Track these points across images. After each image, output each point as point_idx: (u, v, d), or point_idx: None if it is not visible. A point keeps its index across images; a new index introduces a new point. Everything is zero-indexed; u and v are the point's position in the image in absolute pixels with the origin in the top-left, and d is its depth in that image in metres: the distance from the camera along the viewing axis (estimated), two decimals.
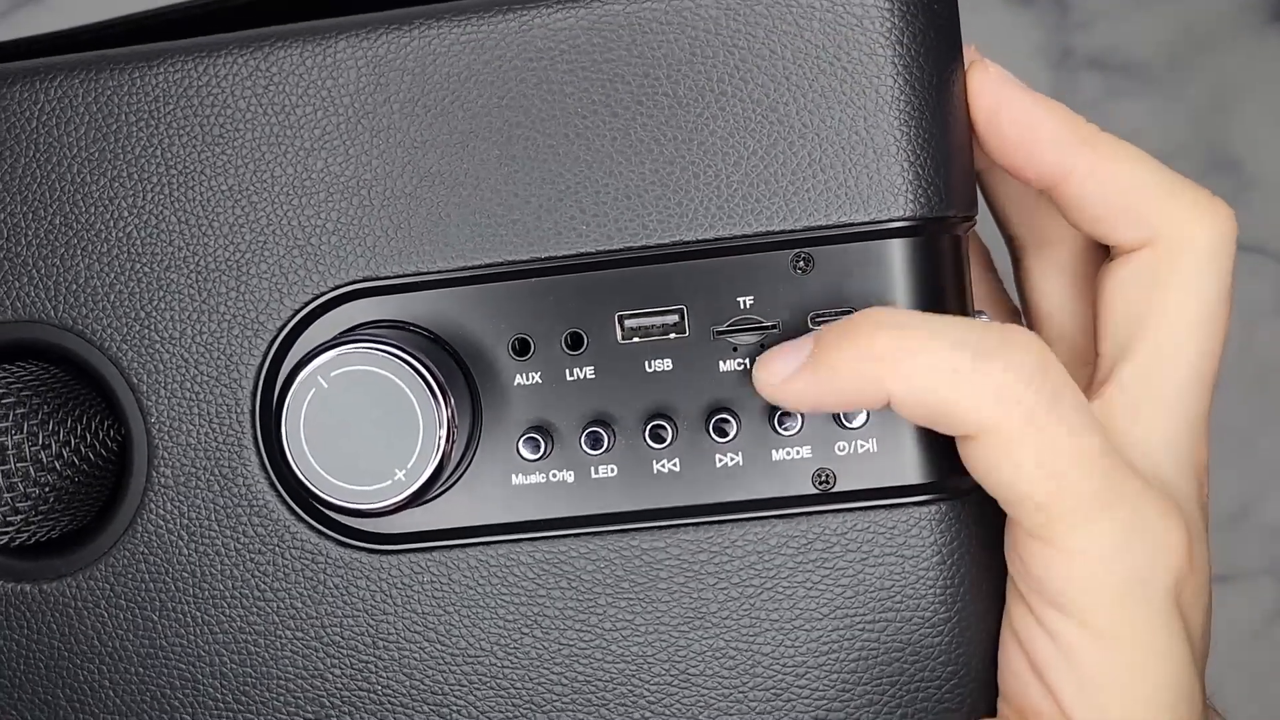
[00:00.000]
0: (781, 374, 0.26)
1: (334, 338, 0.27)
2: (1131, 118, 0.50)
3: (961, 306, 0.28)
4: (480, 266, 0.28)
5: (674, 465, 0.28)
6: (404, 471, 0.26)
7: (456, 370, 0.27)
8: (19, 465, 0.26)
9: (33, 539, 0.28)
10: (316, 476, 0.26)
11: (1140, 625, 0.25)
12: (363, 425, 0.26)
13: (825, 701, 0.28)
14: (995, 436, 0.24)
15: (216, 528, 0.28)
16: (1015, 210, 0.30)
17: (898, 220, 0.27)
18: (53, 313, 0.28)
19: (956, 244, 0.28)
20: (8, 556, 0.29)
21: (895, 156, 0.27)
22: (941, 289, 0.27)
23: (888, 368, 0.24)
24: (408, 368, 0.26)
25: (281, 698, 0.28)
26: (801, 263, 0.27)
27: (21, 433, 0.26)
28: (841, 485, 0.27)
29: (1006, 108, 0.27)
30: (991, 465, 0.25)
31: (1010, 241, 0.31)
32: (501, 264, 0.27)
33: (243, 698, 0.29)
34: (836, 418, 0.27)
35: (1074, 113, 0.27)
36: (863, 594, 0.27)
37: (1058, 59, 0.50)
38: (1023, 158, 0.27)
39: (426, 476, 0.26)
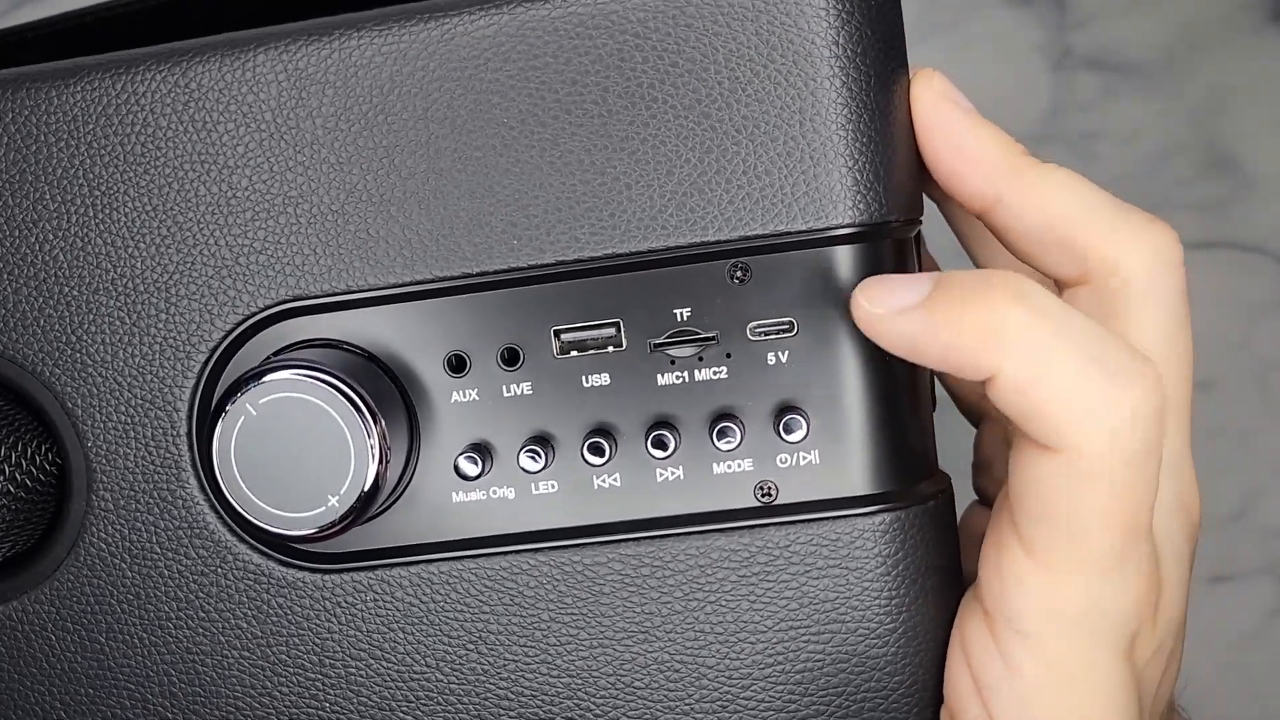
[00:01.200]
0: (894, 305, 0.24)
1: (262, 362, 0.26)
2: (1130, 118, 0.49)
3: None
4: (412, 283, 0.27)
5: (614, 480, 0.27)
6: (336, 497, 0.26)
7: (392, 389, 0.27)
8: None
9: None
10: (250, 504, 0.26)
11: (1088, 662, 0.25)
12: (294, 451, 0.26)
13: (771, 713, 0.27)
14: (1083, 462, 0.23)
15: (159, 550, 0.28)
16: (975, 241, 0.30)
17: (837, 228, 0.26)
18: None
19: (901, 248, 0.27)
20: None
21: (833, 162, 0.26)
22: None
23: (1014, 344, 0.23)
24: (336, 393, 0.25)
25: (231, 716, 0.29)
26: (739, 273, 0.26)
27: None
28: (784, 498, 0.27)
29: (941, 127, 0.26)
30: (1057, 485, 0.23)
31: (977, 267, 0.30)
32: (433, 280, 0.27)
33: (192, 717, 0.29)
34: (776, 429, 0.27)
35: (1010, 139, 0.26)
36: (807, 606, 0.27)
37: (1057, 59, 0.49)
38: (954, 181, 0.26)
39: (358, 501, 0.26)
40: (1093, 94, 0.48)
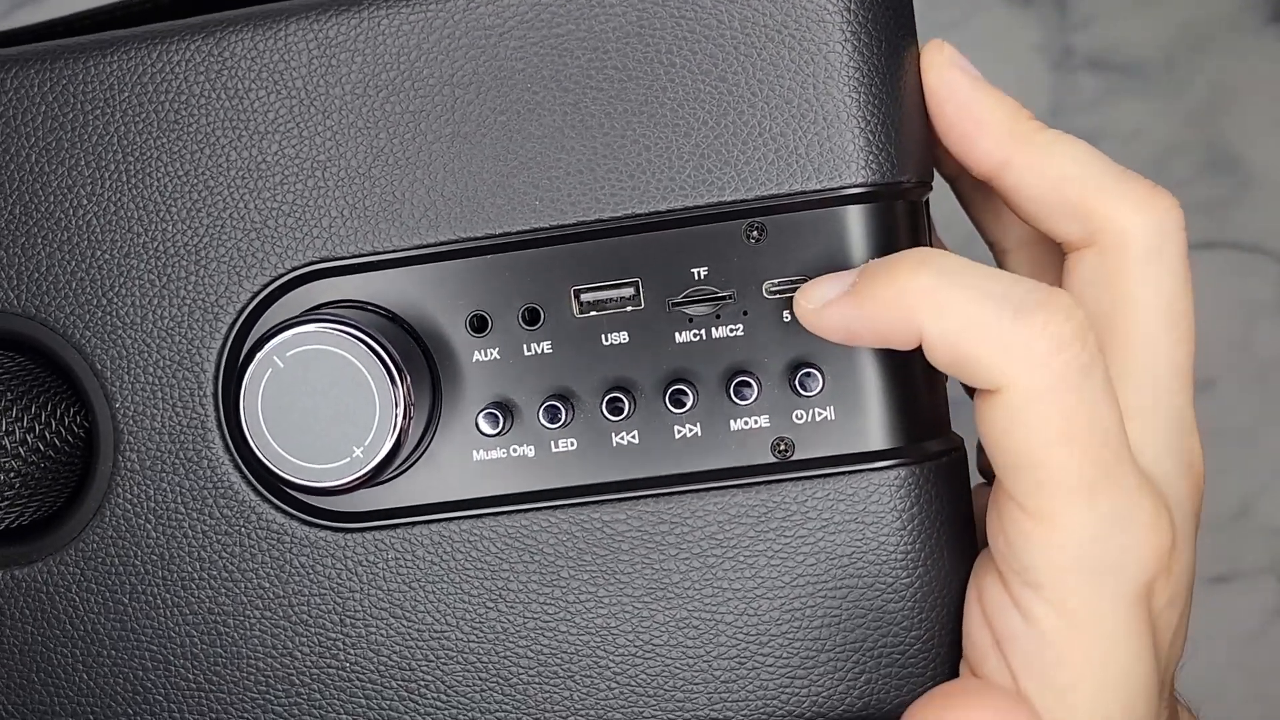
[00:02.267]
0: (821, 299, 0.26)
1: (290, 318, 0.27)
2: (1131, 117, 0.50)
3: None
4: (436, 244, 0.28)
5: (633, 437, 0.28)
6: (361, 449, 0.26)
7: (415, 348, 0.28)
8: None
9: (1, 525, 0.28)
10: (276, 456, 0.26)
11: (1108, 614, 0.25)
12: (320, 404, 0.26)
13: (789, 670, 0.28)
14: (1017, 395, 0.24)
15: (183, 510, 0.29)
16: (986, 212, 0.30)
17: (850, 187, 0.27)
18: (15, 302, 0.29)
19: (913, 210, 0.28)
20: None
21: (845, 124, 0.26)
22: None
23: (926, 305, 0.24)
24: (363, 346, 0.26)
25: (252, 677, 0.29)
26: (755, 232, 0.27)
27: None
28: (800, 453, 0.27)
29: (951, 92, 0.27)
30: (1006, 425, 0.24)
31: (991, 247, 0.31)
32: (457, 241, 0.28)
33: (214, 677, 0.29)
34: (792, 385, 0.27)
35: (1017, 105, 0.27)
36: (824, 561, 0.27)
37: (1058, 59, 0.49)
38: (963, 145, 0.27)
39: (384, 453, 0.26)
40: (1093, 94, 0.49)
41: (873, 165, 0.27)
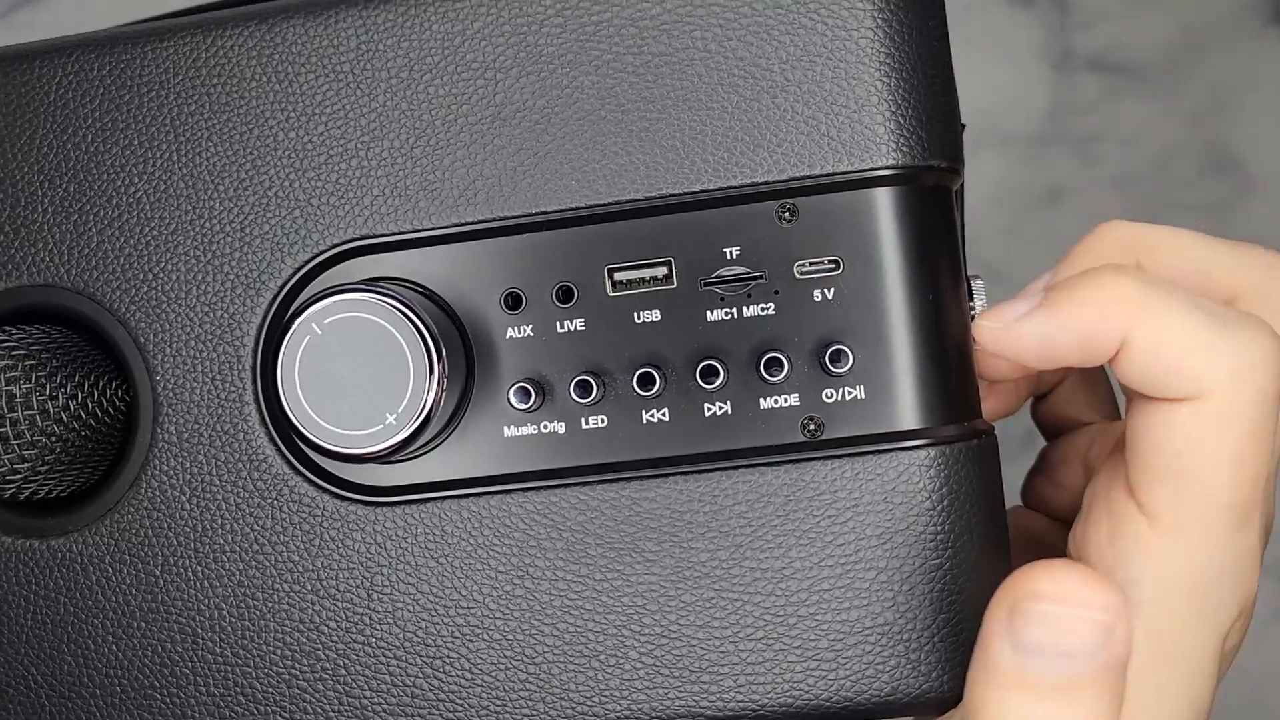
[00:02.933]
0: (1012, 315, 0.26)
1: (330, 286, 0.27)
2: (1131, 118, 0.50)
3: (952, 261, 0.28)
4: (473, 223, 0.28)
5: (663, 415, 0.28)
6: (394, 416, 0.27)
7: (450, 324, 0.28)
8: (26, 414, 0.27)
9: (38, 494, 0.29)
10: (310, 421, 0.27)
11: (1196, 647, 0.25)
12: (356, 371, 0.27)
13: (816, 653, 0.27)
14: (1215, 404, 0.24)
15: (218, 482, 0.29)
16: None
17: (880, 169, 0.27)
18: (65, 276, 0.30)
19: (942, 197, 0.28)
20: (14, 513, 0.30)
21: (876, 106, 0.27)
22: (927, 240, 0.27)
23: (1133, 310, 0.24)
24: (400, 315, 0.27)
25: (278, 650, 0.29)
26: (786, 213, 0.28)
27: (30, 382, 0.27)
28: (830, 432, 0.27)
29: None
30: (1195, 436, 0.24)
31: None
32: (493, 220, 0.28)
33: (240, 651, 0.29)
34: (822, 364, 0.27)
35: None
36: (854, 542, 0.27)
37: (1058, 59, 0.50)
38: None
39: (417, 421, 0.26)
40: (1094, 95, 0.49)
41: (903, 148, 0.27)
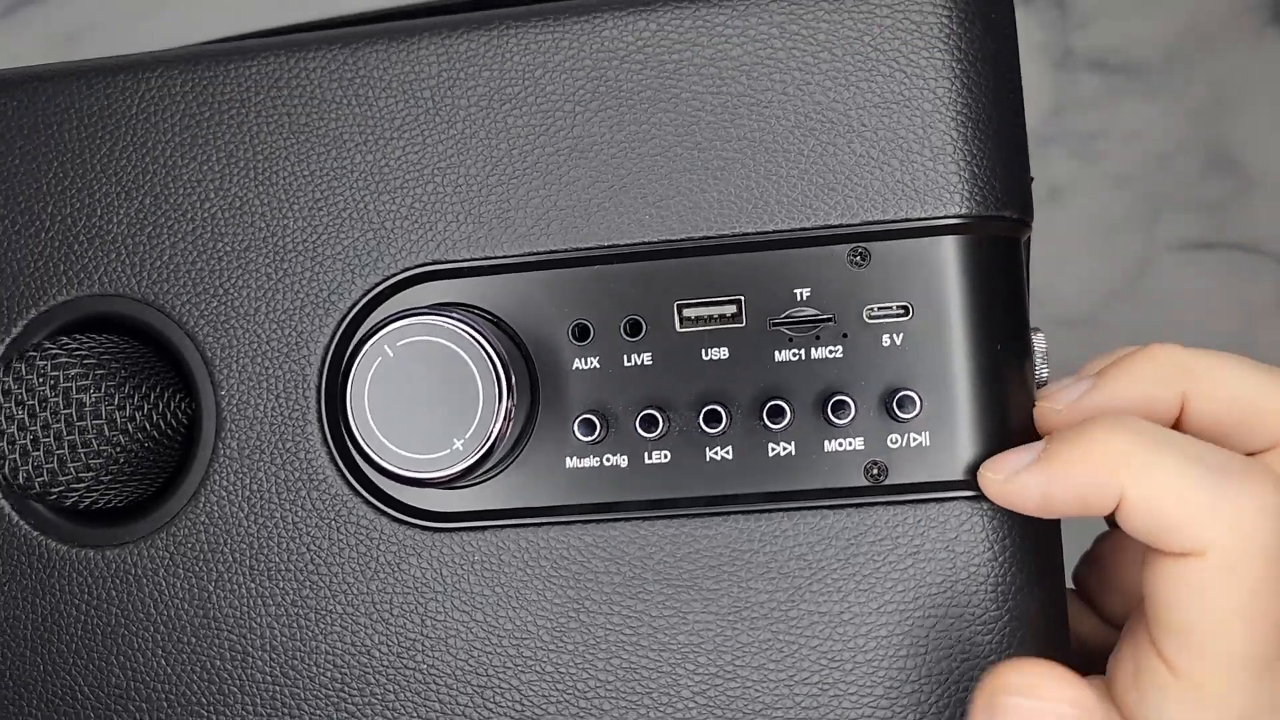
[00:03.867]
0: (1012, 468, 0.26)
1: (403, 310, 0.28)
2: (1131, 118, 0.50)
3: (1019, 312, 0.28)
4: (545, 253, 0.28)
5: (727, 453, 0.28)
6: (462, 441, 0.27)
7: (517, 353, 0.28)
8: (94, 423, 0.27)
9: (98, 504, 0.29)
10: (376, 442, 0.27)
11: None
12: (425, 395, 0.27)
13: (872, 699, 0.27)
14: (1218, 560, 0.24)
15: (277, 500, 0.29)
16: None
17: (952, 218, 0.27)
18: (136, 288, 0.30)
19: (1013, 248, 0.28)
20: (75, 522, 0.30)
21: (951, 156, 0.27)
22: (995, 289, 0.28)
23: (1126, 467, 0.24)
24: (470, 339, 0.27)
25: (328, 673, 0.29)
26: (858, 257, 0.28)
27: (99, 391, 0.27)
28: (893, 478, 0.27)
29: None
30: (1194, 589, 0.24)
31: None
32: (565, 251, 0.28)
33: (290, 671, 0.29)
34: (889, 409, 0.27)
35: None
36: (913, 589, 0.27)
37: (1058, 59, 0.49)
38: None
39: (484, 447, 0.26)
40: (1094, 94, 0.49)
41: (976, 198, 0.27)
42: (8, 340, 0.30)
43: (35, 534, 0.30)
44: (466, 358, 0.27)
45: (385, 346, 0.27)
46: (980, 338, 0.27)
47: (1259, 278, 0.51)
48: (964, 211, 0.27)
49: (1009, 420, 0.27)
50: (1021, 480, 0.25)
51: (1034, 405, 0.28)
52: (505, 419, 0.27)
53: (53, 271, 0.30)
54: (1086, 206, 0.51)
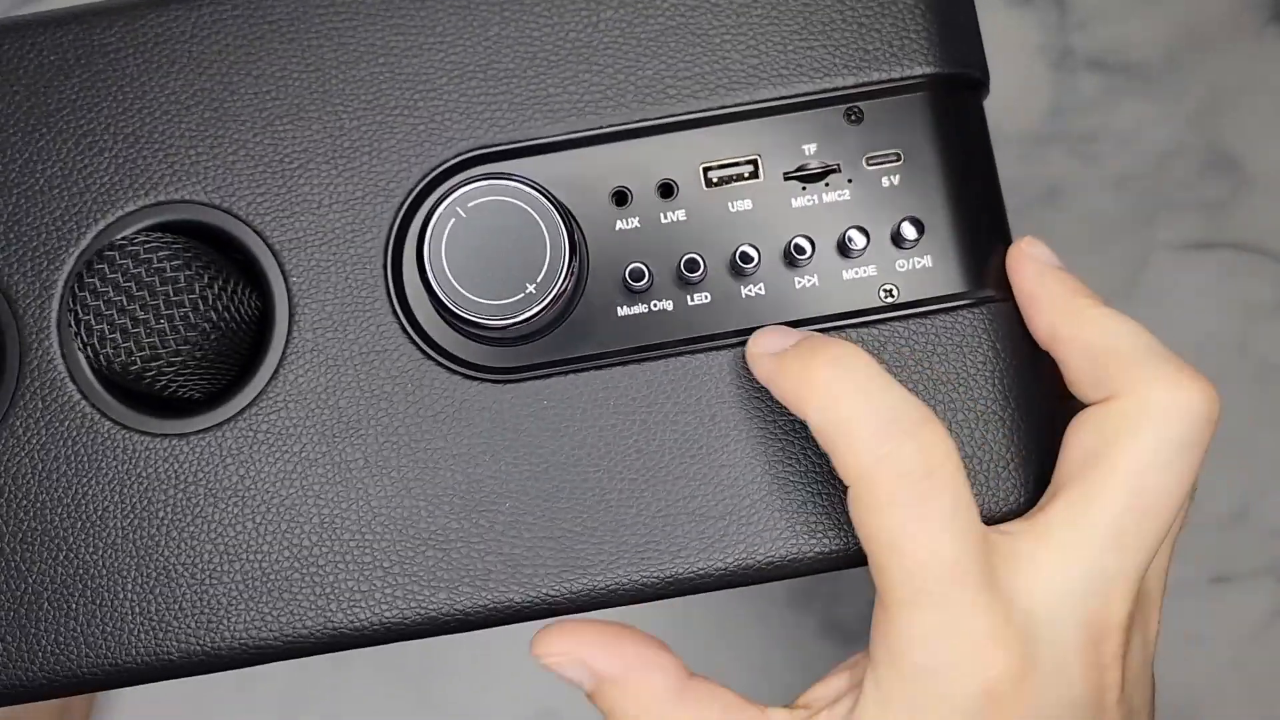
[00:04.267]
0: (763, 349, 0.30)
1: (467, 178, 0.31)
2: (1131, 118, 0.51)
3: (987, 157, 0.33)
4: (582, 131, 0.32)
5: (759, 290, 0.32)
6: (534, 285, 0.30)
7: (567, 218, 0.32)
8: (189, 297, 0.29)
9: (185, 391, 0.31)
10: (456, 294, 0.30)
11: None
12: (496, 249, 0.30)
13: None
14: (865, 493, 0.27)
15: (353, 372, 0.31)
16: None
17: (924, 76, 0.32)
18: (202, 192, 0.32)
19: (976, 103, 0.33)
20: (162, 411, 0.31)
21: (921, 25, 0.32)
22: (966, 135, 0.32)
23: (812, 396, 0.28)
24: (534, 195, 0.30)
25: (413, 528, 0.31)
26: (853, 115, 0.32)
27: (190, 270, 0.30)
28: (904, 297, 0.32)
29: (1019, 279, 0.31)
30: (856, 518, 0.28)
31: None
32: (601, 127, 0.32)
33: (378, 528, 0.31)
34: (894, 239, 0.32)
35: (1079, 284, 0.30)
36: (932, 387, 0.31)
37: (1057, 59, 0.50)
38: (1026, 318, 0.31)
39: (556, 289, 0.30)
40: (1094, 95, 0.51)
41: (943, 58, 0.32)
42: (84, 244, 0.32)
43: (122, 424, 0.31)
44: (532, 212, 0.30)
45: (458, 208, 0.30)
46: (959, 173, 0.32)
47: (1258, 278, 0.51)
48: (933, 71, 0.32)
49: (991, 240, 0.32)
50: (759, 364, 0.30)
51: (1006, 224, 0.33)
52: (572, 260, 0.30)
53: (121, 183, 0.32)
54: (1085, 206, 0.52)
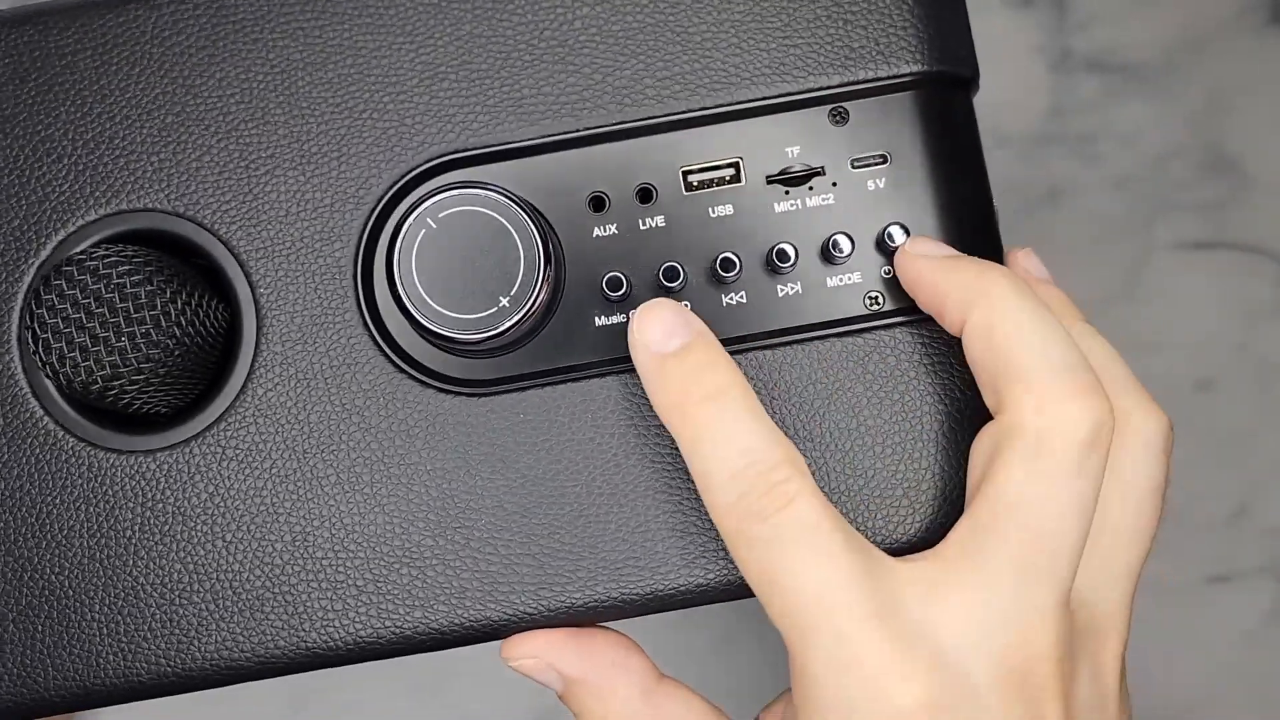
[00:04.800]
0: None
1: (441, 184, 0.30)
2: (1130, 118, 0.50)
3: (976, 158, 0.32)
4: (558, 134, 0.31)
5: (741, 297, 0.31)
6: (508, 298, 0.29)
7: (545, 224, 0.31)
8: (150, 314, 0.29)
9: (149, 407, 0.30)
10: (427, 308, 0.29)
11: None
12: (468, 261, 0.29)
13: (893, 499, 0.30)
14: (727, 535, 0.27)
15: (322, 385, 0.31)
16: None
17: (912, 75, 0.31)
18: (165, 201, 0.31)
19: (966, 102, 0.32)
20: (127, 428, 0.31)
21: (908, 21, 0.31)
22: (955, 135, 0.31)
23: (684, 424, 0.28)
24: (508, 205, 0.29)
25: (387, 542, 0.30)
26: (838, 116, 0.31)
27: (151, 286, 0.29)
28: (890, 305, 0.31)
29: (918, 271, 0.30)
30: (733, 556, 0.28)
31: None
32: (576, 130, 0.31)
33: (350, 545, 0.30)
34: (880, 245, 0.31)
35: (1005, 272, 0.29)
36: (919, 400, 0.31)
37: (1057, 60, 0.50)
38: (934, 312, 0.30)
39: (531, 301, 0.29)
40: (1093, 95, 0.50)
41: (931, 56, 0.31)
42: (44, 256, 0.31)
43: (87, 440, 0.30)
44: (505, 221, 0.29)
45: (428, 219, 0.29)
46: (948, 176, 0.31)
47: (1258, 278, 0.51)
48: (921, 69, 0.31)
49: (979, 245, 0.31)
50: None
51: (997, 230, 0.32)
52: (547, 270, 0.29)
53: (80, 192, 0.31)
54: (1085, 207, 0.51)
